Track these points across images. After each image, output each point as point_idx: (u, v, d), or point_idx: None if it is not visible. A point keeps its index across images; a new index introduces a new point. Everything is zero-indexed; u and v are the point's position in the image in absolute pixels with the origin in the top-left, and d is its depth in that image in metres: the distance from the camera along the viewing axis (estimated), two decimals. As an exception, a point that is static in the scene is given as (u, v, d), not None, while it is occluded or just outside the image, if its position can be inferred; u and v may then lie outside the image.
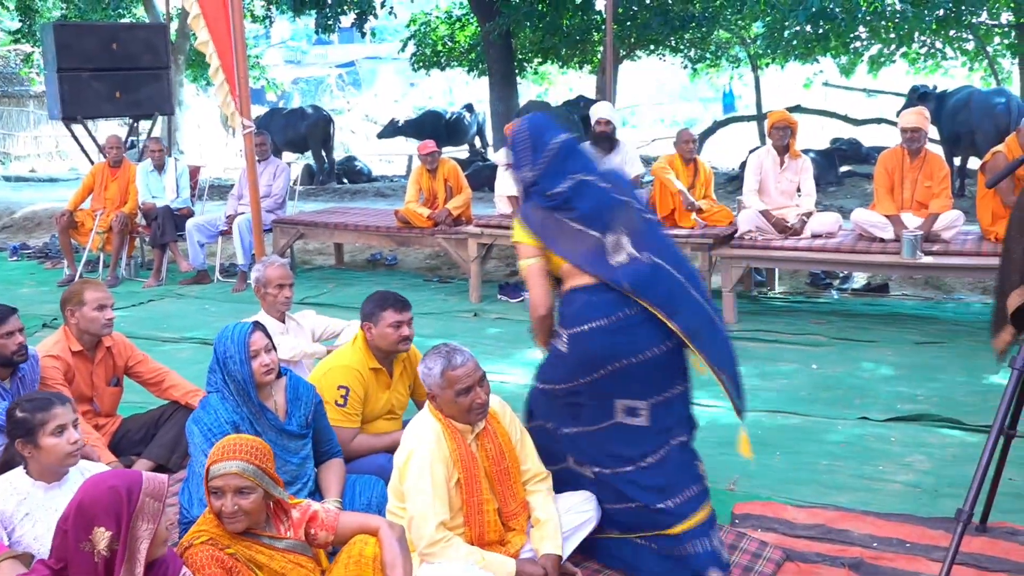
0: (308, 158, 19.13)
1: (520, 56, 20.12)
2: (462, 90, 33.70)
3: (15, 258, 11.63)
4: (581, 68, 20.72)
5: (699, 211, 8.02)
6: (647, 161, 15.17)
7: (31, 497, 3.25)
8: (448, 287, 9.40)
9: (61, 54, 11.75)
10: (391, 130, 19.85)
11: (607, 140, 8.41)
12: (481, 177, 14.12)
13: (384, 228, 9.26)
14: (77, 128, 12.81)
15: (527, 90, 25.23)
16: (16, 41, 23.41)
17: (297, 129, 17.86)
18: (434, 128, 18.84)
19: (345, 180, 18.35)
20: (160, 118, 14.32)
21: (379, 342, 4.23)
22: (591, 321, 3.46)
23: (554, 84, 25.28)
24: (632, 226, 3.54)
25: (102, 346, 4.76)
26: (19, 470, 3.32)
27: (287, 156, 17.95)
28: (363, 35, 18.97)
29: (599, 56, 18.34)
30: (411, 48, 22.16)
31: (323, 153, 17.96)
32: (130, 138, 13.97)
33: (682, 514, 3.53)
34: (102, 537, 2.50)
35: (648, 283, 3.45)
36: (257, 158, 8.44)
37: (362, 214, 10.23)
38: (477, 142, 20.49)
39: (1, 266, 11.19)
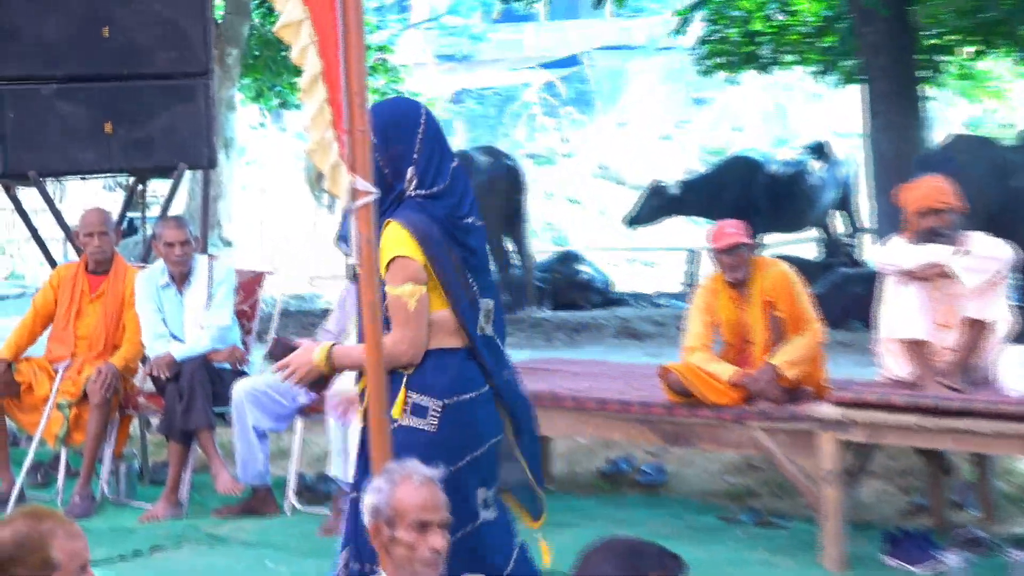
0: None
1: (929, 41, 20.14)
2: (802, 110, 33.96)
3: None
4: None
5: None
6: None
7: None
8: (772, 536, 9.49)
9: (1, 46, 12.32)
10: (654, 204, 20.17)
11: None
12: (845, 297, 14.04)
13: (637, 406, 9.34)
14: (26, 194, 13.56)
15: (944, 112, 25.13)
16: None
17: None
18: (744, 194, 19.02)
19: (558, 302, 18.65)
20: (188, 175, 14.97)
21: None
22: (470, 391, 5.66)
23: (1003, 96, 25.13)
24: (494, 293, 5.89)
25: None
26: None
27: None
28: (599, 3, 19.50)
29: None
30: (698, 29, 22.56)
31: (527, 246, 18.37)
32: (126, 215, 14.64)
33: None
34: None
35: (497, 367, 5.87)
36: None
37: (590, 373, 10.51)
38: (838, 221, 20.48)
39: None
